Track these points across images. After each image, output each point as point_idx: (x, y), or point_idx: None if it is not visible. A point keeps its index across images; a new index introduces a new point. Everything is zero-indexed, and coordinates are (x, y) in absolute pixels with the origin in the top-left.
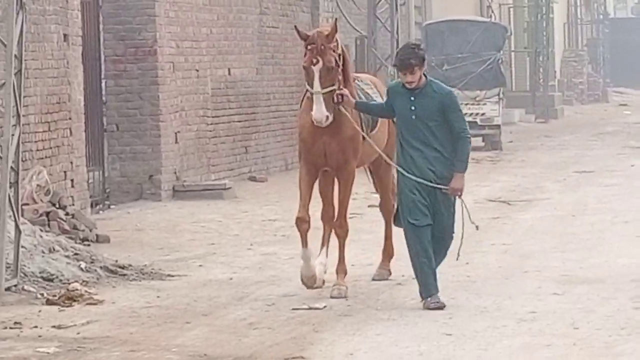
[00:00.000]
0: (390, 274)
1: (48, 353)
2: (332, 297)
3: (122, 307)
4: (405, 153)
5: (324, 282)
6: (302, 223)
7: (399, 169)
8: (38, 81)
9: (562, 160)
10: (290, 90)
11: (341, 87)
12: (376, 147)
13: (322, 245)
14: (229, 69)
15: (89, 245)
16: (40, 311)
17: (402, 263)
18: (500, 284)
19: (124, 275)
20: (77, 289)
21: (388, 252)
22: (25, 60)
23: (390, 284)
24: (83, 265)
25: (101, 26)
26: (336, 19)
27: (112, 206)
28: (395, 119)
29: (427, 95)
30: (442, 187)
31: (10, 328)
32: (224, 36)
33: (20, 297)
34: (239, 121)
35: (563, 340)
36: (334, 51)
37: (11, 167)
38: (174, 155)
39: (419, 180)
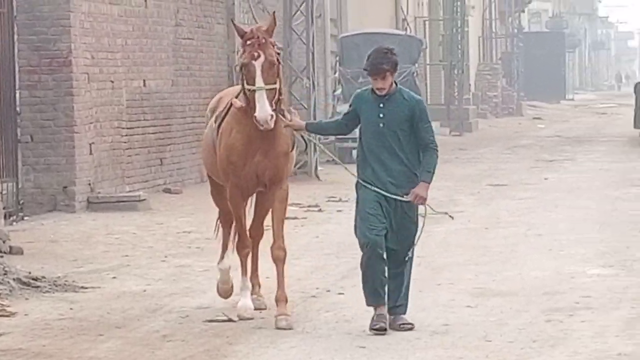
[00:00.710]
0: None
1: None
2: (278, 328)
3: (35, 319)
4: (366, 165)
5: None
6: (245, 249)
7: (361, 181)
8: None
9: (476, 173)
10: (206, 102)
11: (282, 86)
12: (344, 165)
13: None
14: (144, 81)
15: (1, 257)
16: None
17: (317, 276)
18: (413, 297)
19: (37, 287)
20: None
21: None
22: None
23: (304, 296)
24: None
25: (15, 36)
26: (274, 12)
27: (25, 217)
28: (359, 129)
29: (397, 103)
30: (405, 197)
31: None
32: (139, 47)
33: None
34: (154, 133)
35: (475, 353)
36: (273, 46)
37: None
38: (88, 166)
39: (381, 192)
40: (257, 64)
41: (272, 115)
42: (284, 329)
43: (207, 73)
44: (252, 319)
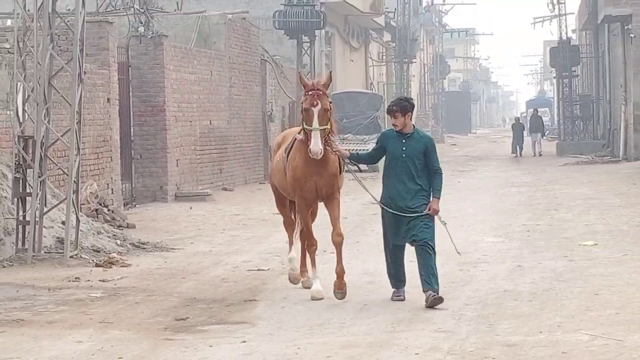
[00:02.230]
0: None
1: (96, 297)
2: (338, 299)
3: (143, 269)
4: (391, 186)
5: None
6: (313, 246)
7: (381, 205)
8: (91, 127)
9: None
10: (248, 134)
11: (332, 127)
12: (369, 191)
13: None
14: (210, 121)
15: (122, 229)
16: (91, 271)
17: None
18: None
19: (144, 248)
20: (115, 257)
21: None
22: (82, 114)
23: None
24: (118, 242)
25: (131, 93)
26: (331, 72)
27: (136, 205)
28: (384, 159)
29: (415, 139)
30: (424, 213)
31: (72, 281)
32: (207, 100)
33: (79, 262)
34: (216, 153)
35: (416, 290)
36: (327, 97)
37: (74, 181)
38: (175, 174)
39: (401, 214)
40: (315, 110)
41: (321, 150)
42: (341, 299)
43: (249, 116)
44: (322, 298)
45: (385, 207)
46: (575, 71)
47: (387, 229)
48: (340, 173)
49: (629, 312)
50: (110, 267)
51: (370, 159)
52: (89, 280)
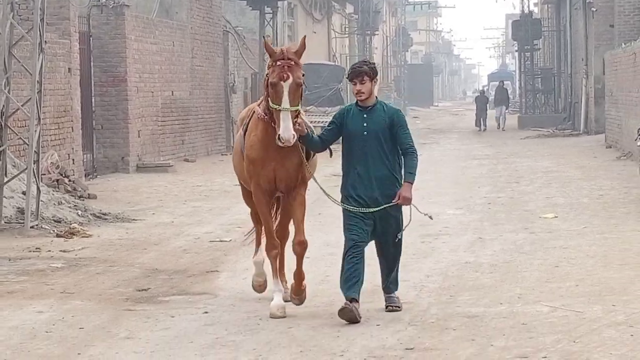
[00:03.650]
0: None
1: (57, 267)
2: (296, 305)
3: (104, 239)
4: (350, 172)
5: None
6: (273, 249)
7: (342, 205)
8: (51, 97)
9: None
10: (210, 105)
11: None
12: (316, 180)
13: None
14: (172, 92)
15: (83, 200)
16: (52, 241)
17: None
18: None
19: (106, 219)
20: (76, 228)
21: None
22: (43, 84)
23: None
24: (79, 212)
25: (92, 63)
26: (305, 36)
27: (98, 176)
28: (343, 141)
29: (378, 113)
30: (392, 204)
31: (33, 251)
32: (169, 71)
33: (40, 232)
34: (178, 124)
35: (374, 261)
36: (300, 68)
37: (35, 151)
38: (137, 144)
39: (365, 211)
40: (285, 85)
41: (294, 136)
42: (298, 305)
43: (211, 87)
44: (284, 317)
45: (347, 207)
46: (537, 44)
47: (348, 226)
48: (308, 160)
49: (588, 284)
50: (72, 238)
51: (322, 144)
52: (49, 251)
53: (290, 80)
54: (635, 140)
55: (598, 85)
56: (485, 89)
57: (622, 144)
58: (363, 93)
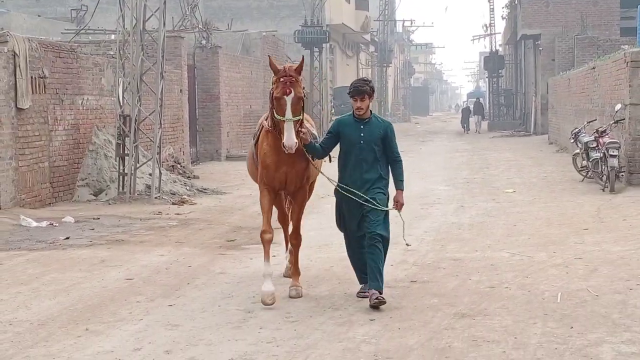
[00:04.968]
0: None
1: (173, 225)
2: (290, 297)
3: (204, 206)
4: (347, 175)
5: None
6: (266, 234)
7: (339, 188)
8: (168, 110)
9: None
10: None
11: (303, 117)
12: (326, 175)
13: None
14: (250, 105)
15: (190, 179)
16: (169, 207)
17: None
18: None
19: (205, 192)
20: (185, 198)
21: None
22: (163, 100)
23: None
24: (187, 188)
25: (196, 86)
26: (303, 57)
27: (200, 163)
28: (340, 147)
29: (373, 125)
30: (390, 208)
31: (156, 214)
32: (248, 91)
33: (161, 201)
34: (254, 127)
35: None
36: (301, 84)
37: (157, 146)
38: (226, 141)
39: (365, 203)
40: (288, 99)
41: (296, 143)
42: (294, 297)
43: None
44: (273, 303)
45: (342, 192)
46: (501, 73)
47: (345, 219)
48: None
49: (536, 237)
50: (182, 205)
51: (323, 152)
52: (167, 214)
53: (292, 94)
54: (569, 139)
55: (543, 101)
56: (466, 104)
57: (560, 142)
58: (362, 109)
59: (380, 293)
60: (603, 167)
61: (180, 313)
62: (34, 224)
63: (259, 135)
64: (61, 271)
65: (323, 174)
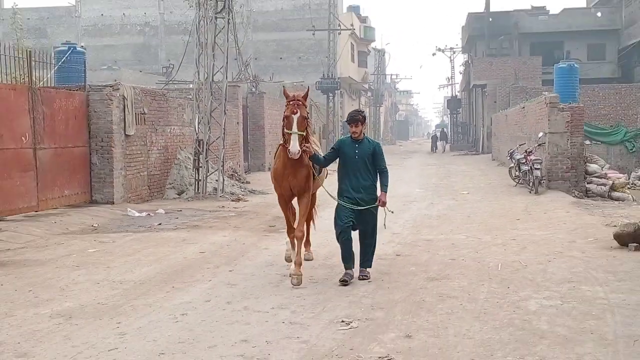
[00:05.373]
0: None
1: (232, 215)
2: (292, 285)
3: (254, 203)
4: (345, 181)
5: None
6: (290, 234)
7: (339, 200)
8: (229, 136)
9: None
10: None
11: (309, 133)
12: (325, 188)
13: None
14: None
15: (244, 184)
16: (229, 203)
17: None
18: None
19: (254, 193)
20: (241, 197)
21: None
22: (225, 129)
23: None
24: (242, 189)
25: (248, 120)
26: (308, 87)
27: (250, 173)
28: (339, 160)
29: (365, 144)
30: (372, 206)
31: (220, 208)
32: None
33: (224, 199)
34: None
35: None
36: (306, 107)
37: (221, 161)
38: (268, 158)
39: (354, 208)
40: (295, 117)
41: (299, 150)
42: (295, 285)
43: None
44: (300, 283)
45: (343, 203)
46: (459, 111)
47: (339, 215)
48: (314, 178)
49: (484, 225)
50: (238, 202)
51: (325, 162)
52: (228, 208)
53: (298, 114)
54: (506, 157)
55: (488, 130)
56: (434, 132)
57: (500, 158)
58: (357, 132)
59: (368, 272)
60: (530, 177)
61: (237, 276)
62: (137, 214)
63: (277, 152)
64: (155, 247)
65: (326, 189)
